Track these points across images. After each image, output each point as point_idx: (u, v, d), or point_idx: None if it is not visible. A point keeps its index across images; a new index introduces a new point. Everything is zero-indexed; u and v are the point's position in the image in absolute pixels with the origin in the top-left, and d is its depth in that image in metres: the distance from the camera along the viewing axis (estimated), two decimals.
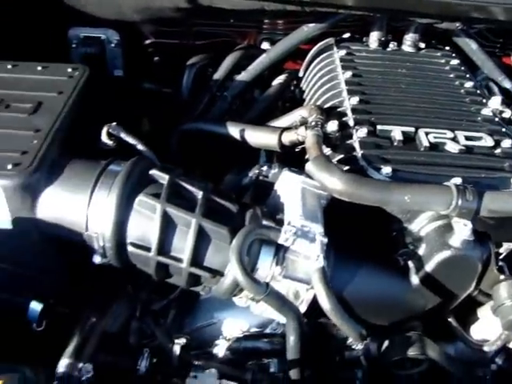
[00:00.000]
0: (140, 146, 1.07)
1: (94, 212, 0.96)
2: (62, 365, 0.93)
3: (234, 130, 1.21)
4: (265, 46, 1.54)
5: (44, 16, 1.46)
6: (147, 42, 1.58)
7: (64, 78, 1.17)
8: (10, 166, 0.96)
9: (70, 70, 1.19)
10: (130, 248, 0.95)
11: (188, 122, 1.32)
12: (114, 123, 1.07)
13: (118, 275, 1.09)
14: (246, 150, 1.26)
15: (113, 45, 1.56)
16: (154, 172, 0.98)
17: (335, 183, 0.97)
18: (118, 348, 1.10)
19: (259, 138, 1.18)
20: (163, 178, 0.97)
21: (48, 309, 1.09)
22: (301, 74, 1.47)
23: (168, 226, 0.94)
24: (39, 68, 1.20)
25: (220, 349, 1.09)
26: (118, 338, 1.11)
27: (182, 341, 1.06)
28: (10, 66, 1.20)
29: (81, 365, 0.93)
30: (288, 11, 1.28)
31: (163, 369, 1.04)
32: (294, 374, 0.98)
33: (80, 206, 0.97)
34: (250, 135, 1.19)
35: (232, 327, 1.11)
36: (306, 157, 1.17)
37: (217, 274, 0.95)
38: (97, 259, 0.99)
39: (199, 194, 0.96)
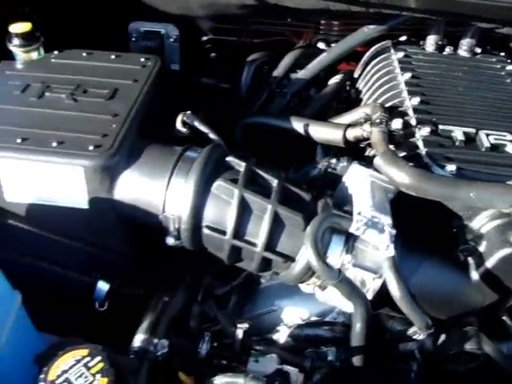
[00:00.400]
0: (212, 135, 1.11)
1: (172, 195, 1.00)
2: (138, 340, 0.96)
3: (298, 125, 1.25)
4: (321, 46, 1.58)
5: (108, 9, 1.50)
6: (205, 38, 1.62)
7: (137, 67, 1.21)
8: (91, 147, 1.00)
9: (142, 59, 1.23)
10: (205, 231, 0.99)
11: (251, 115, 1.35)
12: (189, 112, 1.11)
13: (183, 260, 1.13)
14: (304, 145, 1.30)
15: (172, 40, 1.60)
16: (230, 159, 1.02)
17: (403, 177, 1.00)
18: (179, 330, 1.13)
19: (324, 133, 1.22)
20: (240, 164, 1.00)
21: (114, 290, 1.12)
22: (356, 74, 1.50)
23: (244, 211, 0.97)
24: (113, 57, 1.24)
25: (281, 335, 1.12)
26: (177, 320, 1.14)
27: (245, 326, 1.09)
28: (85, 54, 1.25)
29: (156, 340, 0.96)
30: (351, 12, 1.31)
31: (224, 353, 1.07)
32: (357, 360, 1.01)
33: (158, 189, 1.01)
34: (314, 130, 1.22)
35: (292, 315, 1.14)
36: (368, 153, 1.21)
37: (288, 259, 0.98)
38: (170, 241, 1.03)
39: (274, 182, 0.99)
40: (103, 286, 1.12)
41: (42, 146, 1.01)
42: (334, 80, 1.48)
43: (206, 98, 1.52)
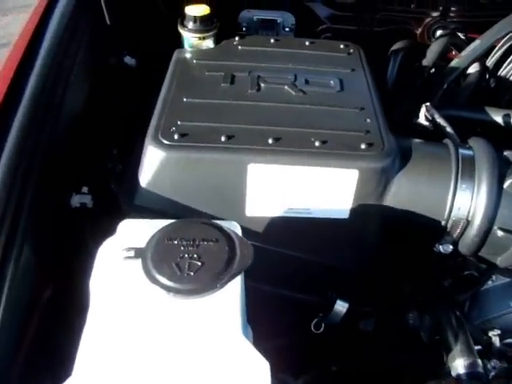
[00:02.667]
0: (449, 129, 1.00)
1: (461, 197, 0.88)
2: (462, 365, 0.83)
3: (494, 115, 1.17)
4: (439, 34, 1.51)
5: None
6: (322, 27, 1.49)
7: (344, 55, 1.06)
8: (363, 146, 0.86)
9: (342, 46, 1.08)
10: (499, 233, 0.88)
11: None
12: (428, 103, 0.99)
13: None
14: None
15: (288, 29, 1.46)
16: (509, 153, 0.92)
17: None
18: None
19: None
20: None
21: (352, 309, 0.98)
22: (489, 62, 1.45)
23: None
24: (307, 43, 1.08)
25: None
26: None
27: (497, 332, 0.99)
28: (272, 41, 1.08)
29: (479, 361, 0.83)
30: None
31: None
32: None
33: (442, 192, 0.88)
34: None
35: None
36: None
37: None
38: (447, 248, 0.90)
39: None
40: (341, 305, 0.97)
41: (302, 146, 0.85)
42: (474, 69, 1.41)
43: None
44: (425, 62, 1.34)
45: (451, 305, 0.98)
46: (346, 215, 0.89)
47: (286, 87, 0.95)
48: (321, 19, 1.49)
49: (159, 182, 0.85)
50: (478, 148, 0.92)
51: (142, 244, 0.67)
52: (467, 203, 0.87)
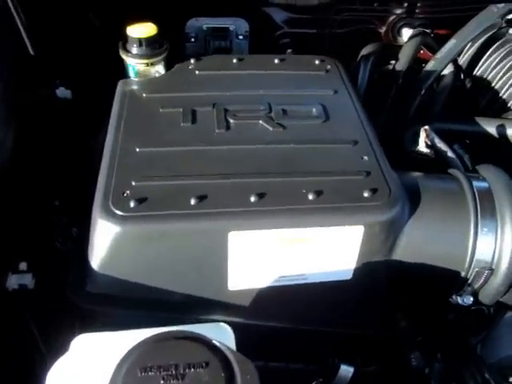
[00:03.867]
0: (451, 154, 0.86)
1: (484, 242, 0.73)
2: None
3: (488, 127, 1.04)
4: (405, 32, 1.37)
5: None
6: (279, 32, 1.32)
7: (321, 73, 0.90)
8: (366, 194, 0.70)
9: (317, 62, 0.92)
10: None
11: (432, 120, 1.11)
12: (427, 127, 0.84)
13: None
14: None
15: (241, 36, 1.28)
16: None
17: None
18: None
19: None
20: None
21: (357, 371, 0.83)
22: (462, 61, 1.33)
23: None
24: (276, 61, 0.91)
25: None
26: None
27: None
28: (235, 61, 0.90)
29: None
30: None
31: None
32: None
33: (460, 238, 0.74)
34: None
35: None
36: None
37: None
38: (467, 300, 0.76)
39: None
40: (347, 370, 0.82)
41: (292, 201, 0.68)
42: (449, 69, 1.28)
43: None
44: (398, 67, 1.20)
45: (466, 347, 0.85)
46: (348, 276, 0.73)
47: (260, 122, 0.78)
48: (278, 24, 1.32)
49: (116, 263, 0.67)
50: (492, 179, 0.78)
51: (102, 366, 0.49)
52: (490, 249, 0.73)
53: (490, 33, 1.27)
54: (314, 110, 0.81)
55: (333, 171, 0.72)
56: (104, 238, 0.65)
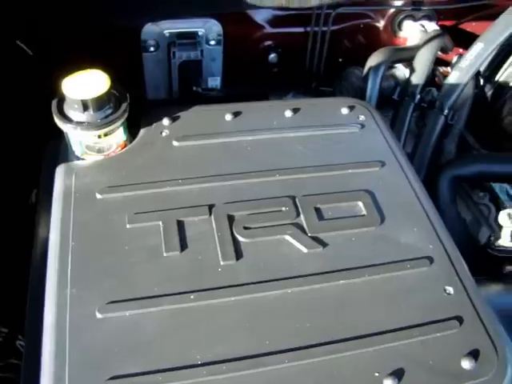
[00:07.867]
0: None
1: None
2: None
3: None
4: (407, 25, 1.11)
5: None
6: (262, 32, 1.03)
7: (355, 130, 0.62)
8: (466, 363, 0.44)
9: (345, 110, 0.63)
10: None
11: (459, 163, 0.86)
12: None
13: None
14: None
15: (213, 42, 1.01)
16: None
17: None
18: None
19: None
20: None
21: None
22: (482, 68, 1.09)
23: None
24: (288, 114, 0.62)
25: None
26: None
27: None
28: (228, 118, 0.60)
29: None
30: None
31: None
32: None
33: None
34: None
35: None
36: None
37: None
38: None
39: None
40: None
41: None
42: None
43: None
44: (414, 80, 0.94)
45: None
46: None
47: (286, 238, 0.50)
48: (257, 23, 1.02)
49: None
50: None
51: None
52: None
53: None
54: (360, 204, 0.54)
55: (412, 326, 0.46)
56: None
